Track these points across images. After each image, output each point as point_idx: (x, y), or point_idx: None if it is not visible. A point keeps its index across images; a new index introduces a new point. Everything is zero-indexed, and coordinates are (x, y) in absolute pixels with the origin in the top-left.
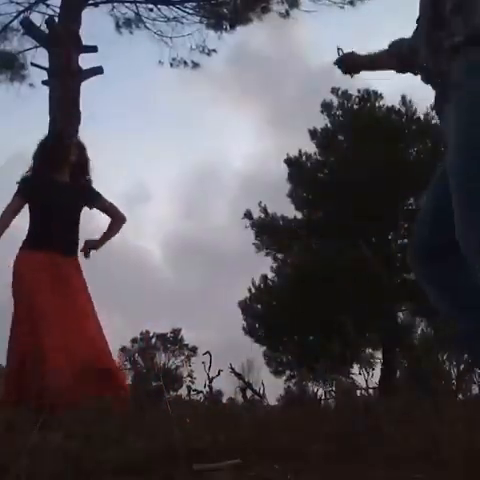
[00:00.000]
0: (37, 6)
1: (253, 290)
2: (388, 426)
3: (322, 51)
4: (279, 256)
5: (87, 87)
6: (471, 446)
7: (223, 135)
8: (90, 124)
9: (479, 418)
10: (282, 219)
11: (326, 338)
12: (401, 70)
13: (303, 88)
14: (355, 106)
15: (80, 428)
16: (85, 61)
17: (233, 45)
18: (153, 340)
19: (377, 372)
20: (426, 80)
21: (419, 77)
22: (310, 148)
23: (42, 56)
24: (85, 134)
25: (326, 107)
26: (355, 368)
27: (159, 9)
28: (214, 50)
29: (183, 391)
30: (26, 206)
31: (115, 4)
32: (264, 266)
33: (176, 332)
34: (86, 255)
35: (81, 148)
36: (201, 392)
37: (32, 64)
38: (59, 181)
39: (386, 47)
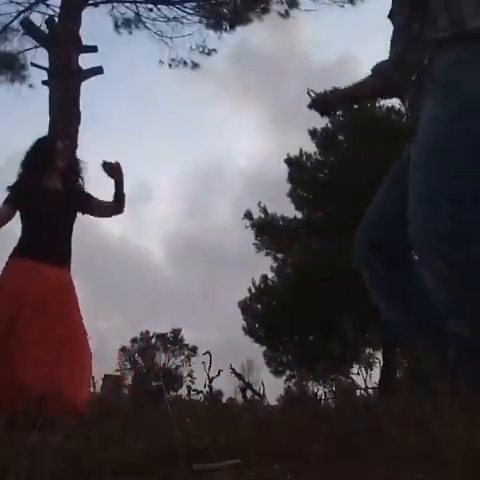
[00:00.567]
0: (37, 6)
1: (253, 290)
2: (388, 426)
3: (323, 50)
4: (279, 256)
5: (87, 87)
6: (471, 446)
7: (225, 134)
8: (90, 124)
9: (479, 418)
10: (282, 219)
11: (326, 338)
12: (387, 91)
13: (304, 87)
14: (355, 106)
15: (80, 428)
16: (85, 61)
17: (234, 44)
18: (153, 340)
19: (377, 372)
20: (403, 79)
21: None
22: (311, 148)
23: (42, 56)
24: (85, 134)
25: None
26: (355, 368)
27: (159, 9)
28: (214, 50)
29: (183, 391)
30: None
31: (115, 4)
32: (264, 266)
33: (176, 332)
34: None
35: (70, 151)
36: (201, 392)
37: (32, 64)
38: (49, 187)
39: (369, 72)
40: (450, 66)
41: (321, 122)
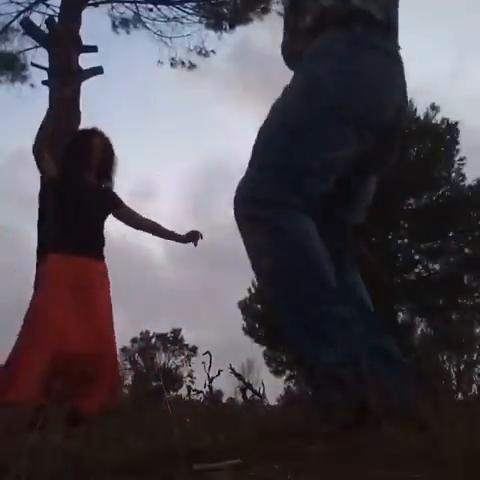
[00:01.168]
0: (37, 6)
1: (253, 290)
2: (388, 426)
3: None
4: None
5: (87, 87)
6: (471, 446)
7: (226, 133)
8: (90, 124)
9: (479, 418)
10: None
11: None
12: None
13: None
14: None
15: (80, 428)
16: (85, 61)
17: (235, 43)
18: (153, 340)
19: None
20: (288, 66)
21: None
22: None
23: (42, 56)
24: None
25: None
26: None
27: (159, 9)
28: (213, 51)
29: (183, 391)
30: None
31: (115, 4)
32: None
33: (176, 332)
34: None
35: (107, 145)
36: (201, 392)
37: (32, 64)
38: (88, 180)
39: None
40: (312, 52)
41: None
